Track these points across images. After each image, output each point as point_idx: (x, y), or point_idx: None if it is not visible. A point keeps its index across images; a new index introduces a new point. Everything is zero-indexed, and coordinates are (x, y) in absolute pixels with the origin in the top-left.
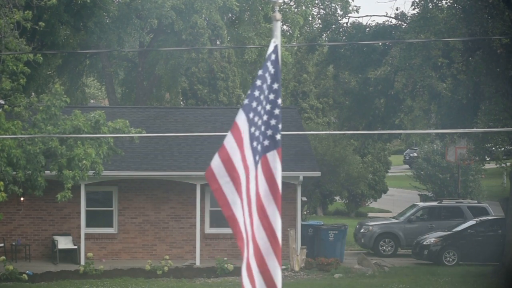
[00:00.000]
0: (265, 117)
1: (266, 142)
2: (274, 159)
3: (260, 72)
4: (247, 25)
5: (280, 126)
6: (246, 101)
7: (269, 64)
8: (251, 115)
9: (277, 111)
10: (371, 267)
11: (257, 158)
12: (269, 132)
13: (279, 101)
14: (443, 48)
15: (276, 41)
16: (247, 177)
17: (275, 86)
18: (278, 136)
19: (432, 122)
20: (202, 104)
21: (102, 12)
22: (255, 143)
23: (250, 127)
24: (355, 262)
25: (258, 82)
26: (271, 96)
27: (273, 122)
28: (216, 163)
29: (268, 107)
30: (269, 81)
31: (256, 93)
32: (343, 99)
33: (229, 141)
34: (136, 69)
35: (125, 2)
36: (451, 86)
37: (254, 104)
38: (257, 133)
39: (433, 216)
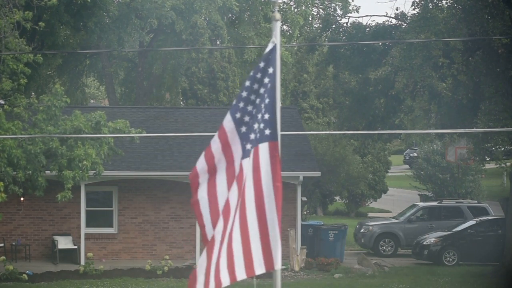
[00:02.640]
0: (259, 115)
1: (255, 136)
2: (264, 151)
3: (251, 73)
4: (247, 25)
5: (272, 123)
6: (234, 102)
7: (262, 64)
8: (238, 115)
9: (270, 109)
10: (371, 267)
11: (247, 153)
12: (261, 126)
13: (267, 101)
14: (443, 48)
15: (274, 41)
16: (233, 175)
17: (270, 85)
18: (267, 131)
19: (432, 122)
20: (202, 104)
21: (102, 12)
22: (244, 142)
23: (238, 126)
24: (355, 262)
25: (247, 83)
26: (264, 93)
27: (266, 116)
28: (200, 163)
29: (263, 104)
30: (266, 80)
31: (244, 93)
32: (343, 99)
33: (215, 141)
34: (136, 69)
35: (125, 2)
36: (451, 86)
37: (242, 104)
38: (245, 130)
39: (433, 216)
